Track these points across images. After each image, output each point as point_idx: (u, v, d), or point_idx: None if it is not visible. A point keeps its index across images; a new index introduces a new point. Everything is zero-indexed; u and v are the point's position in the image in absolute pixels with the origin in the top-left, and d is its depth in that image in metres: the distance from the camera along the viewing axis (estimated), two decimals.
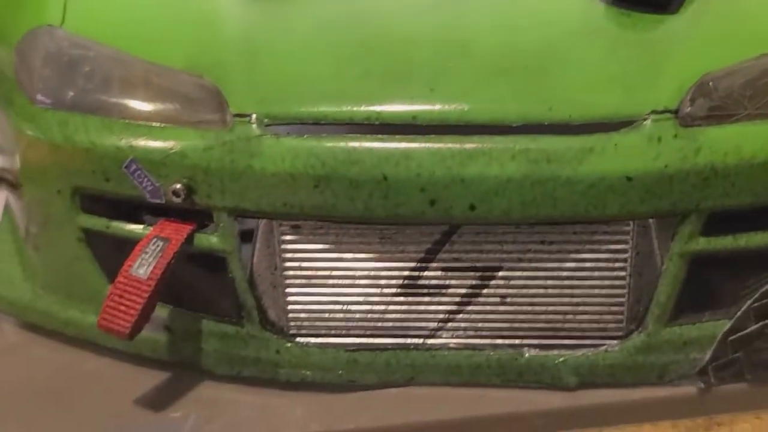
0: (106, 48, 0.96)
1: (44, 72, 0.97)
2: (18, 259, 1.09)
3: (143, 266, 0.91)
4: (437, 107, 0.88)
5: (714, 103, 0.88)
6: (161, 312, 0.96)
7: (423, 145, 0.86)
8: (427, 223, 0.90)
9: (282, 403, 0.94)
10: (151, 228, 0.93)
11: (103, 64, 0.95)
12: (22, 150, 0.99)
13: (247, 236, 0.94)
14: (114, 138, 0.92)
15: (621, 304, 0.92)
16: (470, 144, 0.86)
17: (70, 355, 1.02)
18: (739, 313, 0.91)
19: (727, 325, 0.92)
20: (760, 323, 0.91)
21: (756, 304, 0.91)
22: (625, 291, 0.92)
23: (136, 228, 0.95)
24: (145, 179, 0.92)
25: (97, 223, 0.97)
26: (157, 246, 0.91)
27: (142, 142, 0.91)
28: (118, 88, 0.94)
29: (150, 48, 0.95)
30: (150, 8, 0.99)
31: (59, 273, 1.03)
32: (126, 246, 0.95)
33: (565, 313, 0.93)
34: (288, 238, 0.92)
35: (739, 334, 0.92)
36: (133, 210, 0.96)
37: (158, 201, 0.92)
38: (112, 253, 0.98)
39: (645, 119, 0.87)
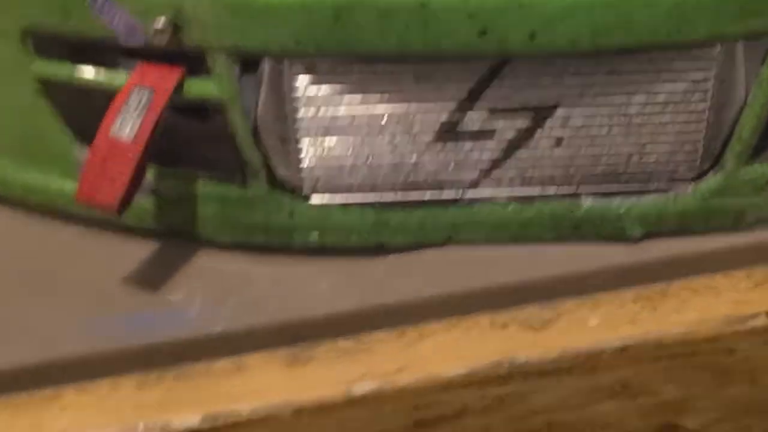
0: None
1: None
2: None
3: (126, 125, 0.73)
4: None
5: None
6: (147, 173, 0.79)
7: None
8: (474, 57, 0.74)
9: (302, 275, 0.80)
10: (129, 75, 0.76)
11: None
12: None
13: (248, 81, 0.77)
14: None
15: (696, 141, 0.79)
16: None
17: (36, 225, 0.86)
18: None
19: None
20: None
21: None
22: (702, 126, 0.78)
23: (110, 76, 0.78)
24: (118, 15, 0.73)
25: (58, 71, 0.78)
26: (141, 98, 0.74)
27: None
28: None
29: None
30: None
31: (13, 133, 0.84)
32: (96, 96, 0.78)
33: (630, 154, 0.79)
34: (301, 81, 0.75)
35: None
36: (102, 52, 0.78)
37: (136, 43, 0.74)
38: (79, 106, 0.80)
39: None
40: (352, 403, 0.75)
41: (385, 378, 0.75)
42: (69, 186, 0.83)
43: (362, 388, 0.75)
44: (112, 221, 0.83)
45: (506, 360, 0.76)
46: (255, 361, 0.76)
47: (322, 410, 0.75)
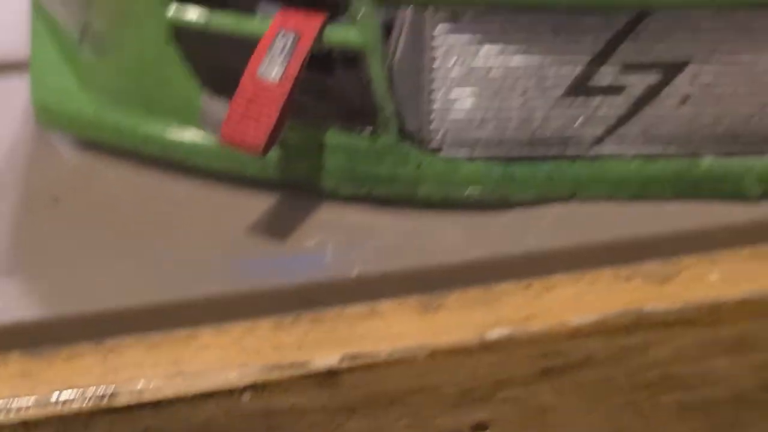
0: None
1: None
2: (69, 66, 0.91)
3: (273, 66, 0.74)
4: None
5: None
6: None
7: None
8: (614, 9, 0.75)
9: (430, 227, 0.80)
10: (270, 21, 0.77)
11: None
12: None
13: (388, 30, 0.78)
14: None
15: None
16: None
17: (154, 178, 0.85)
18: None
19: None
20: None
21: None
22: None
23: (248, 21, 0.78)
24: None
25: (194, 15, 0.79)
26: (287, 41, 0.75)
27: None
28: None
29: None
30: None
31: (136, 80, 0.85)
32: (228, 46, 0.78)
33: (752, 114, 0.81)
34: (442, 29, 0.77)
35: None
36: None
37: None
38: (210, 55, 0.81)
39: None
40: (485, 347, 0.75)
41: (515, 325, 0.76)
42: (191, 136, 0.84)
43: (494, 334, 0.76)
44: (235, 173, 0.83)
45: (632, 310, 0.78)
46: (388, 306, 0.77)
47: (455, 354, 0.75)
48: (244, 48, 0.77)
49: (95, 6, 0.84)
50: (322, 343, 0.74)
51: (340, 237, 0.79)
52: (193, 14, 0.79)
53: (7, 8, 1.04)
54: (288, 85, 0.74)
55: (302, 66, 0.75)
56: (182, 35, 0.80)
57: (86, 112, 0.87)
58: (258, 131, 0.74)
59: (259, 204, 0.83)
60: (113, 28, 0.83)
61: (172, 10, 0.79)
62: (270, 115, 0.74)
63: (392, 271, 0.77)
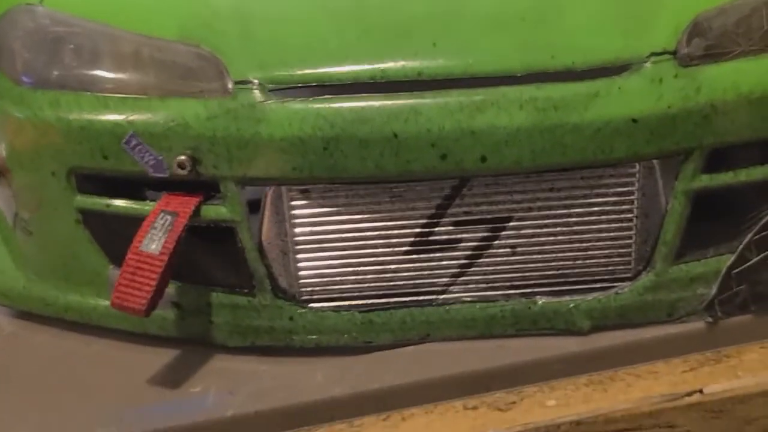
0: (91, 23, 0.93)
1: (27, 52, 0.94)
2: (6, 247, 1.06)
3: (154, 241, 0.89)
4: (441, 61, 0.88)
5: (710, 42, 0.90)
6: (169, 288, 0.94)
7: (431, 100, 0.87)
8: (438, 177, 0.90)
9: (301, 370, 0.93)
10: (155, 203, 0.92)
11: (90, 40, 0.93)
12: (9, 134, 0.96)
13: (253, 205, 0.93)
14: (111, 114, 0.90)
15: (629, 246, 0.94)
16: (478, 96, 0.87)
17: (73, 340, 1.00)
18: (741, 247, 0.94)
19: (731, 259, 0.94)
20: (762, 255, 0.94)
21: (757, 237, 0.94)
22: (632, 233, 0.93)
23: (139, 205, 0.94)
24: (147, 153, 0.90)
25: (96, 203, 0.94)
26: (166, 220, 0.90)
27: (142, 116, 0.89)
28: (109, 62, 0.92)
29: (139, 21, 0.92)
30: None
31: (56, 257, 1.00)
32: (126, 224, 0.93)
33: (575, 258, 0.94)
34: (297, 203, 0.91)
35: (742, 267, 0.94)
36: (134, 186, 0.95)
37: (162, 175, 0.90)
38: (112, 233, 0.96)
39: (645, 61, 0.88)
40: None
41: None
42: (102, 303, 0.98)
43: None
44: (139, 332, 0.97)
45: None
46: None
47: None
48: (138, 227, 0.92)
49: (20, 197, 1.00)
50: None
51: (223, 383, 0.92)
52: (96, 202, 0.95)
53: None
54: (165, 257, 0.88)
55: (178, 240, 0.89)
56: (88, 218, 0.96)
57: (17, 287, 1.03)
58: (140, 297, 0.88)
59: (160, 358, 0.96)
60: (34, 214, 0.99)
61: (78, 199, 0.95)
62: (150, 283, 0.88)
63: (263, 411, 0.89)
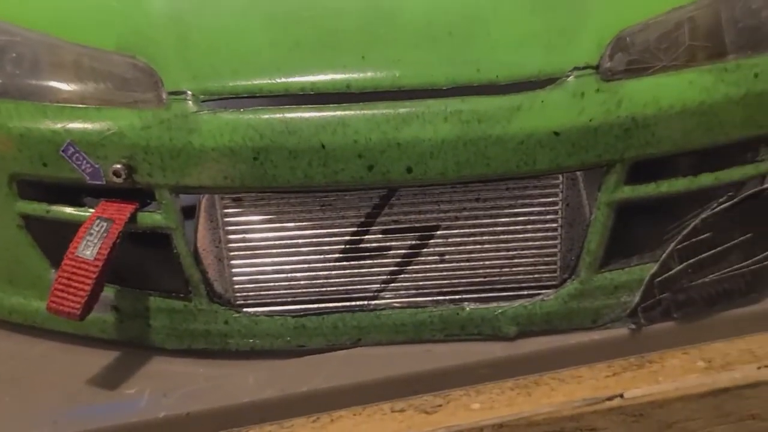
0: (32, 33, 0.95)
1: None
2: None
3: (89, 247, 0.92)
4: (369, 74, 0.90)
5: (632, 57, 0.92)
6: (108, 292, 0.97)
7: (358, 112, 0.89)
8: (365, 187, 0.92)
9: (235, 372, 0.96)
10: (93, 210, 0.95)
11: (30, 49, 0.95)
12: None
13: (189, 212, 0.95)
14: (49, 122, 0.93)
15: (554, 255, 0.97)
16: (403, 108, 0.89)
17: (15, 342, 1.03)
18: (663, 256, 0.97)
19: (654, 267, 0.97)
20: (684, 264, 0.97)
21: (679, 246, 0.97)
22: (557, 242, 0.96)
23: (77, 211, 0.96)
24: (84, 161, 0.92)
25: (36, 208, 0.97)
26: (101, 227, 0.92)
27: (79, 125, 0.92)
28: (48, 71, 0.94)
29: (78, 31, 0.95)
30: None
31: (1, 262, 1.03)
32: (67, 229, 0.95)
33: (502, 266, 0.97)
34: (230, 211, 0.94)
35: (665, 275, 0.97)
36: (73, 193, 0.97)
37: (98, 182, 0.93)
38: (54, 238, 0.98)
39: (568, 76, 0.91)
40: None
41: None
42: (44, 306, 1.00)
43: None
44: (82, 335, 1.00)
45: None
46: None
47: None
48: (77, 232, 0.95)
49: None
50: None
51: (158, 385, 0.95)
52: (36, 207, 0.97)
53: None
54: (100, 263, 0.91)
55: (114, 246, 0.92)
56: (30, 223, 0.98)
57: None
58: (75, 302, 0.90)
59: (100, 360, 0.99)
60: None
61: (20, 204, 0.97)
62: (85, 288, 0.90)
63: (195, 412, 0.92)
